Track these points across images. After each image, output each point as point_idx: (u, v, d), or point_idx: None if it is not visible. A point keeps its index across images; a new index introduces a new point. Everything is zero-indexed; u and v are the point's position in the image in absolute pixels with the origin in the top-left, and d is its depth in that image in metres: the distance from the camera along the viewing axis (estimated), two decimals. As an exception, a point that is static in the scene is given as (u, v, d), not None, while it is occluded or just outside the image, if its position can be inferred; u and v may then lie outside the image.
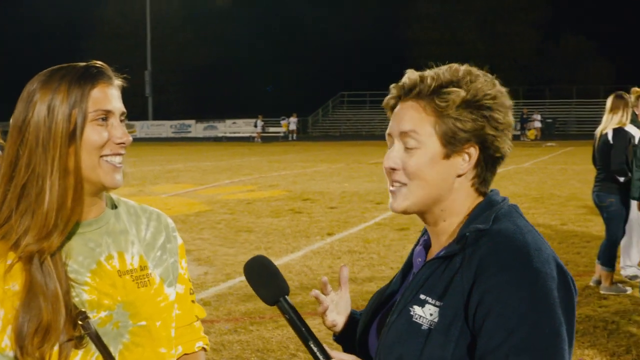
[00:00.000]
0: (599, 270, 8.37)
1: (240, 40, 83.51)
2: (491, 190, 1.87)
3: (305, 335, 1.79)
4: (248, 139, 57.95)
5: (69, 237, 1.92)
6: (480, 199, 1.85)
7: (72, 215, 1.89)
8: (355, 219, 14.16)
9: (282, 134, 60.23)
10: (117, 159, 1.92)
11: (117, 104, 1.93)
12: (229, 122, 65.91)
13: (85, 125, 1.88)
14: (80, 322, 1.83)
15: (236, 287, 8.75)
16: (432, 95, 1.78)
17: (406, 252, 10.42)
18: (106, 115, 1.90)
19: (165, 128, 68.82)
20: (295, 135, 59.28)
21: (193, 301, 2.24)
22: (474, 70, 1.84)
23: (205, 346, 2.26)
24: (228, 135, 62.40)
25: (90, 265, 1.94)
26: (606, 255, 8.21)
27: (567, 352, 1.63)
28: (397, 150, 1.82)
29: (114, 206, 2.10)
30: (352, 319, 2.10)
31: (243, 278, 8.00)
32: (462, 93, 1.76)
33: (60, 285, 1.83)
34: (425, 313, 1.72)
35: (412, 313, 1.75)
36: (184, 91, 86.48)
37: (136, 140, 48.42)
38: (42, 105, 1.88)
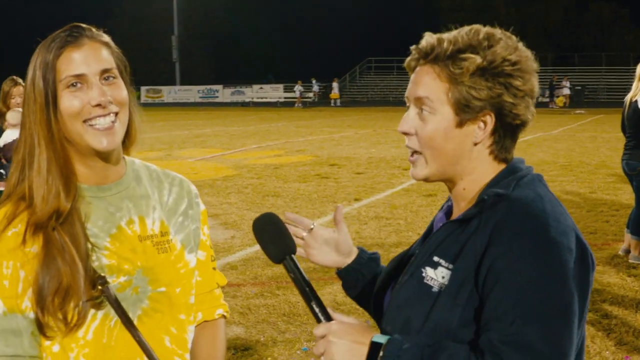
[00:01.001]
0: (628, 239, 8.29)
1: (267, 4, 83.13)
2: (515, 158, 1.83)
3: (309, 295, 1.78)
4: (275, 104, 57.88)
5: (89, 202, 1.92)
6: (502, 166, 1.80)
7: (70, 181, 1.88)
8: (382, 184, 14.13)
9: (311, 100, 60.03)
10: (103, 121, 1.87)
11: (88, 66, 1.86)
12: (256, 87, 65.81)
13: (59, 93, 1.85)
14: (99, 287, 1.82)
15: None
16: (448, 60, 1.72)
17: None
18: (78, 79, 1.85)
19: (192, 93, 68.82)
20: (338, 101, 58.26)
21: (214, 268, 2.22)
22: (497, 33, 1.76)
23: (225, 313, 2.25)
24: (255, 100, 62.33)
25: (110, 229, 1.93)
26: (636, 223, 8.12)
27: (576, 326, 1.58)
28: (411, 115, 1.79)
29: (135, 170, 2.08)
30: (374, 276, 2.11)
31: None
32: (478, 60, 1.69)
33: (78, 248, 1.82)
34: (437, 275, 1.69)
35: (423, 275, 1.73)
36: (211, 56, 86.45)
37: (164, 105, 48.94)
38: (29, 76, 1.88)
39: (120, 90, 1.91)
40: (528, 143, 21.35)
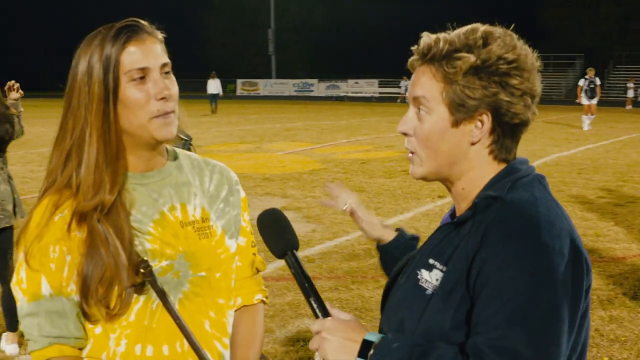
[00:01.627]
0: None
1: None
2: (517, 159, 1.79)
3: (307, 290, 1.79)
4: (369, 99, 57.83)
5: (133, 189, 1.97)
6: (503, 166, 1.77)
7: (117, 173, 1.93)
8: (469, 182, 13.90)
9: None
10: (165, 115, 1.93)
11: (153, 59, 1.92)
12: (351, 82, 65.92)
13: (122, 86, 1.90)
14: (142, 270, 1.88)
15: (342, 245, 8.82)
16: (443, 60, 1.70)
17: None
18: (142, 73, 1.91)
19: (288, 87, 69.51)
20: None
21: (254, 254, 2.27)
22: (496, 31, 1.73)
23: (264, 299, 2.29)
24: (350, 95, 62.44)
25: (153, 215, 1.99)
26: None
27: (564, 332, 1.55)
28: (410, 115, 1.78)
29: (176, 159, 2.13)
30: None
31: (350, 237, 8.12)
32: (472, 59, 1.67)
33: (121, 238, 1.87)
34: (432, 278, 1.69)
35: (419, 277, 1.72)
36: (306, 50, 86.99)
37: (259, 98, 49.51)
38: (81, 67, 1.92)
39: (175, 84, 1.99)
40: (623, 143, 20.79)
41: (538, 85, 1.75)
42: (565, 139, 22.95)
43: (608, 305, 6.67)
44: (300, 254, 6.43)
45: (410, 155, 1.81)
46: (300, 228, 9.84)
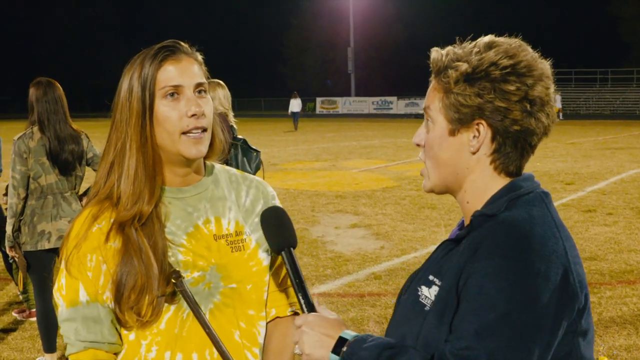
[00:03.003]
0: None
1: (441, 15, 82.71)
2: (523, 174, 1.78)
3: (297, 287, 1.88)
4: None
5: (169, 202, 2.08)
6: (506, 179, 1.76)
7: (155, 185, 2.04)
8: (543, 199, 13.69)
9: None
10: (196, 132, 2.02)
11: (187, 78, 2.03)
12: (430, 98, 65.37)
13: (156, 102, 2.01)
14: (173, 280, 1.98)
15: (409, 262, 8.83)
16: (442, 72, 1.75)
17: (589, 235, 10.14)
18: (175, 90, 2.01)
19: (367, 104, 69.55)
20: (561, 114, 52.39)
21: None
22: (501, 40, 1.74)
23: (298, 311, 2.33)
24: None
25: (187, 228, 2.08)
26: None
27: (534, 355, 1.55)
28: (422, 126, 1.83)
29: (213, 174, 2.22)
30: None
31: (417, 254, 8.13)
32: (464, 67, 1.69)
33: (154, 248, 1.99)
34: (431, 294, 1.71)
35: (419, 293, 1.75)
36: (385, 67, 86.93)
37: (338, 116, 49.73)
38: (124, 85, 2.06)
39: (209, 104, 2.08)
40: None
41: (546, 92, 1.71)
42: (648, 155, 22.39)
43: (678, 324, 6.52)
44: (366, 270, 6.53)
45: (423, 169, 1.85)
46: (369, 245, 9.90)
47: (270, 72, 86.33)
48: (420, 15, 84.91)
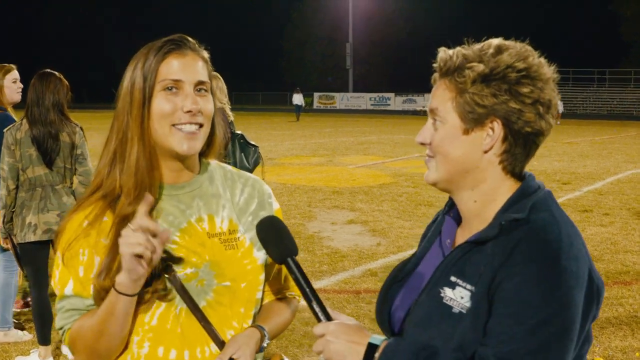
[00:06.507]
0: None
1: (441, 12, 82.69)
2: (527, 175, 1.84)
3: (309, 295, 1.83)
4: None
5: (160, 199, 2.06)
6: (513, 180, 1.81)
7: (153, 178, 2.02)
8: (540, 198, 13.70)
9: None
10: (189, 127, 1.99)
11: (189, 74, 2.00)
12: (428, 95, 64.91)
13: (154, 95, 1.99)
14: (166, 275, 1.96)
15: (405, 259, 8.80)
16: (455, 72, 1.77)
17: (585, 235, 10.11)
18: (174, 84, 1.99)
19: (364, 100, 69.57)
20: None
21: None
22: (511, 44, 1.79)
23: (297, 296, 2.35)
24: (426, 109, 61.81)
25: (180, 224, 2.06)
26: None
27: (570, 353, 1.63)
28: (427, 126, 1.85)
29: (208, 171, 2.20)
30: None
31: (414, 251, 8.11)
32: (480, 67, 1.73)
33: None
34: (456, 296, 1.72)
35: (442, 295, 1.75)
36: (384, 64, 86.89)
37: (335, 111, 49.85)
38: (127, 76, 2.04)
39: (210, 103, 2.06)
40: None
41: (553, 96, 1.77)
42: (644, 156, 22.42)
43: (673, 326, 6.52)
44: (362, 267, 6.52)
45: (426, 159, 1.87)
46: (365, 241, 9.90)
47: (269, 67, 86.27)
48: (420, 12, 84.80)
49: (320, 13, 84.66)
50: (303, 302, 1.95)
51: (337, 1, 78.98)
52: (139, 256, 1.80)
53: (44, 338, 5.63)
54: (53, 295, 2.89)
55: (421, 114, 57.99)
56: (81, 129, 5.66)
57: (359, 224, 11.21)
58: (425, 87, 69.81)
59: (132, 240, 1.79)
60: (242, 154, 6.46)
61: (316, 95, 71.71)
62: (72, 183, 5.70)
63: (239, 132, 6.43)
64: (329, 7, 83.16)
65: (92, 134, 5.85)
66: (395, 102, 67.56)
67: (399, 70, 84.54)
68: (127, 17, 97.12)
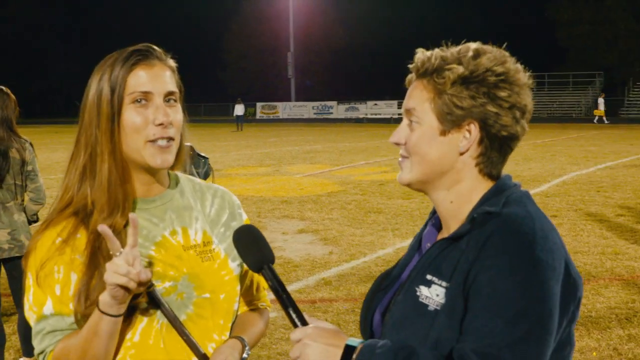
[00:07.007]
0: None
1: (380, 20, 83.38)
2: (503, 175, 1.85)
3: (286, 302, 1.80)
4: (389, 121, 57.84)
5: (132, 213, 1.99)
6: (490, 183, 1.82)
7: (126, 192, 1.97)
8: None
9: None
10: (162, 142, 1.95)
11: (158, 85, 1.96)
12: (370, 103, 66.06)
13: (124, 108, 1.93)
14: (147, 290, 1.89)
15: (359, 267, 8.82)
16: (434, 73, 1.77)
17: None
18: (144, 97, 1.94)
19: (307, 109, 69.72)
20: (605, 118, 50.98)
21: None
22: (487, 47, 1.80)
23: (267, 307, 2.34)
24: (369, 116, 62.52)
25: (154, 238, 2.01)
26: None
27: (550, 345, 1.62)
28: (402, 126, 1.85)
29: (178, 183, 2.16)
30: None
31: (367, 259, 8.11)
32: (460, 69, 1.73)
33: None
34: (432, 294, 1.72)
35: (418, 293, 1.75)
36: (326, 73, 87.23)
37: (279, 121, 50.13)
38: (93, 88, 1.98)
39: (179, 113, 2.02)
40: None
41: (529, 102, 1.80)
42: (584, 157, 22.83)
43: (627, 323, 6.61)
44: (316, 276, 6.47)
45: (400, 159, 1.86)
46: (317, 250, 9.86)
47: (209, 78, 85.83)
48: (360, 20, 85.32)
49: (260, 23, 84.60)
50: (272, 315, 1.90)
51: (276, 11, 79.07)
52: (125, 287, 1.77)
53: (28, 351, 5.64)
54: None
55: (364, 122, 58.38)
56: (31, 144, 5.55)
57: (310, 233, 11.17)
58: (366, 95, 70.91)
59: (121, 271, 1.76)
60: (192, 165, 6.38)
61: (259, 105, 71.63)
62: (22, 200, 5.56)
63: (188, 143, 6.34)
64: (269, 17, 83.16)
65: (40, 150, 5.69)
66: (338, 110, 67.86)
67: (340, 78, 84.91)
68: (68, 30, 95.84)
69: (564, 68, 67.21)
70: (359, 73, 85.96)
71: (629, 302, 7.24)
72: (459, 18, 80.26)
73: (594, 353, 5.92)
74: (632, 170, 18.96)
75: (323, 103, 69.88)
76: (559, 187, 16.00)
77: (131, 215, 1.83)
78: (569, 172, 18.81)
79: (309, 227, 11.61)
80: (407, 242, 10.17)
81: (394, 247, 10.02)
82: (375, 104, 65.88)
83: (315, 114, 68.71)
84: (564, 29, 72.21)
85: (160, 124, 1.94)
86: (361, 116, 62.77)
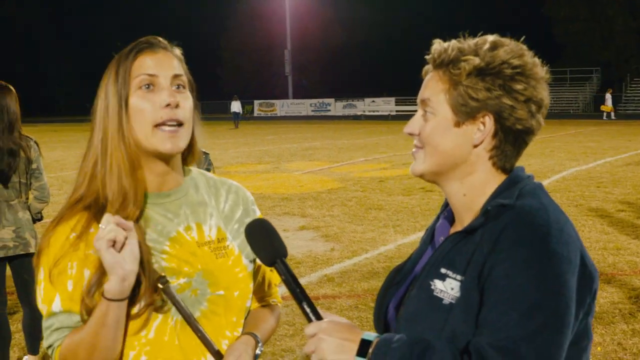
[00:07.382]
0: None
1: (381, 18, 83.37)
2: (516, 167, 1.83)
3: (300, 296, 1.79)
4: (386, 117, 57.86)
5: (146, 208, 1.99)
6: (504, 176, 1.80)
7: (137, 182, 1.96)
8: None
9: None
10: (171, 126, 1.94)
11: (163, 69, 1.95)
12: (367, 100, 66.05)
13: (130, 94, 1.93)
14: (160, 286, 1.89)
15: (361, 264, 8.81)
16: (450, 64, 1.77)
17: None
18: (150, 80, 1.93)
19: (304, 107, 69.67)
20: (613, 114, 51.46)
21: (271, 270, 2.28)
22: (505, 41, 1.79)
23: (278, 303, 2.33)
24: (367, 113, 62.51)
25: (169, 233, 2.00)
26: None
27: (567, 337, 1.60)
28: (416, 117, 1.84)
29: (193, 178, 2.15)
30: None
31: (368, 255, 8.09)
32: (476, 61, 1.73)
33: (140, 254, 1.88)
34: (446, 287, 1.71)
35: (432, 287, 1.74)
36: (323, 70, 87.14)
37: (276, 118, 50.14)
38: (104, 82, 1.99)
39: (188, 100, 2.00)
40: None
41: (545, 96, 1.78)
42: (584, 153, 22.85)
43: (630, 318, 6.62)
44: (318, 273, 6.46)
45: (414, 150, 1.85)
46: (319, 247, 9.86)
47: (208, 76, 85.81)
48: (357, 17, 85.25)
49: (257, 21, 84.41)
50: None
51: (273, 8, 78.92)
52: (113, 244, 1.79)
53: (33, 348, 5.66)
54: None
55: (362, 119, 58.37)
56: (36, 142, 5.55)
57: (311, 229, 11.17)
58: (364, 92, 70.91)
59: (102, 234, 1.78)
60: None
61: (256, 102, 71.57)
62: (27, 198, 5.56)
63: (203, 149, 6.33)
64: (266, 15, 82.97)
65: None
66: (336, 107, 67.82)
67: (338, 75, 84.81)
68: (58, 32, 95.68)
69: (561, 64, 67.15)
70: (357, 70, 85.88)
71: (632, 297, 7.25)
72: (456, 15, 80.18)
73: (599, 348, 5.92)
74: (632, 165, 18.98)
75: (321, 100, 69.82)
76: (559, 182, 16.00)
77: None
78: (568, 167, 18.84)
79: (310, 224, 11.60)
80: (409, 239, 10.18)
81: (396, 243, 10.02)
82: (373, 101, 65.86)
83: (313, 111, 68.65)
84: (560, 26, 72.11)
85: (168, 105, 1.92)
86: (359, 113, 62.70)
